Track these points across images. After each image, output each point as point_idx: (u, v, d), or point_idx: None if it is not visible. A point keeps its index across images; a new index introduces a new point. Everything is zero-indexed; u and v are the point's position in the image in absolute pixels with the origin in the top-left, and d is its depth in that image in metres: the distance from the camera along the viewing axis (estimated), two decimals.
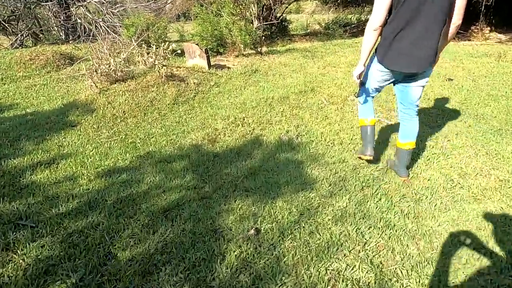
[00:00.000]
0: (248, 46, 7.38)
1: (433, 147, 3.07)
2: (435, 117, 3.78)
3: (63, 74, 6.49)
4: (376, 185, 2.50)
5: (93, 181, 2.79)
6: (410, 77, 2.09)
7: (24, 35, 10.71)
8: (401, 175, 2.48)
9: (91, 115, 4.18)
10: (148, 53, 5.09)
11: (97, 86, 4.56)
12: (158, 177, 2.80)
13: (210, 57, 7.84)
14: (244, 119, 3.87)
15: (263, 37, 7.49)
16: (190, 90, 4.89)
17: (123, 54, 4.73)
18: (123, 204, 2.43)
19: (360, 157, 2.63)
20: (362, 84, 2.29)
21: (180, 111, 4.32)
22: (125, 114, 4.19)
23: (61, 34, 12.14)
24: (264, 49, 8.11)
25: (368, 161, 2.70)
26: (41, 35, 11.46)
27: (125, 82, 4.74)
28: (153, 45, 5.07)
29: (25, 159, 3.14)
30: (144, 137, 3.64)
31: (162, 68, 4.75)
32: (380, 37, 2.03)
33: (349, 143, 3.19)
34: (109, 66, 4.55)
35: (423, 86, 2.18)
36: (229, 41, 7.24)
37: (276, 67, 6.43)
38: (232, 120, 3.84)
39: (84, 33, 10.77)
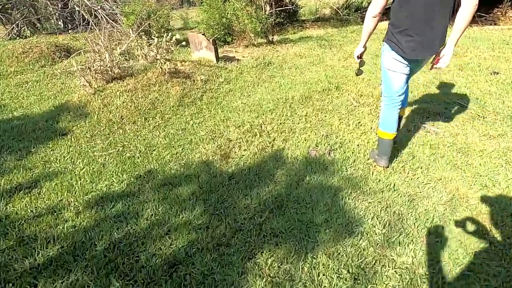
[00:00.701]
0: (259, 35, 6.66)
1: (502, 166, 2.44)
2: (492, 123, 3.11)
3: (57, 69, 5.87)
4: (446, 227, 1.90)
5: (82, 213, 2.22)
6: (417, 62, 2.09)
7: (20, 25, 10.03)
8: (382, 165, 2.50)
9: (84, 121, 3.59)
10: (149, 46, 4.44)
11: (91, 86, 3.95)
12: (161, 209, 2.22)
13: (218, 47, 7.14)
14: (261, 127, 3.25)
15: (274, 25, 6.75)
16: (197, 88, 4.25)
17: (120, 48, 4.08)
18: (116, 253, 1.87)
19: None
20: (361, 65, 2.38)
21: (186, 114, 3.70)
22: (123, 119, 3.59)
23: (59, 23, 11.44)
24: (276, 37, 7.36)
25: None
26: (38, 25, 10.77)
27: (123, 80, 4.12)
28: (154, 36, 4.42)
29: (3, 181, 2.58)
30: (145, 149, 3.05)
31: (165, 63, 4.10)
32: (389, 27, 2.04)
33: (394, 160, 2.57)
34: (105, 63, 3.93)
35: None
36: (237, 30, 6.52)
37: (291, 58, 5.73)
38: (248, 128, 3.22)
39: (83, 21, 10.07)
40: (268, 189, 2.34)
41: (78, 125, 3.54)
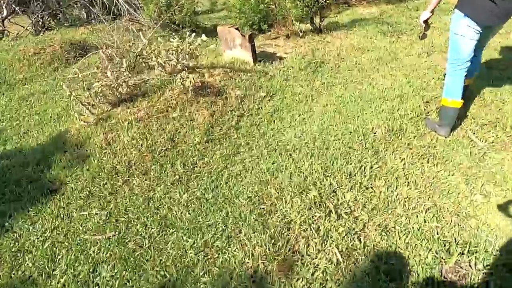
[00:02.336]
0: (303, 21, 5.17)
1: None
2: None
3: (68, 74, 4.89)
4: None
5: None
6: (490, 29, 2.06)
7: (39, 17, 9.17)
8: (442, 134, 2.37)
9: (81, 167, 2.54)
10: (167, 51, 3.22)
11: (92, 113, 2.87)
12: None
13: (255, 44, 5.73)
14: (336, 194, 1.99)
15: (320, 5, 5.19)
16: (231, 110, 3.02)
17: (127, 60, 2.91)
18: None
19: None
20: (426, 30, 2.34)
21: (217, 158, 2.50)
22: (131, 167, 2.49)
23: (82, 12, 10.51)
24: (324, 22, 5.80)
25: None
26: (60, 15, 9.89)
27: (133, 103, 2.98)
28: (173, 38, 3.20)
29: None
30: (158, 233, 1.93)
31: (187, 77, 2.89)
32: None
33: None
34: (108, 82, 2.80)
35: None
36: (278, 17, 5.07)
37: (349, 54, 4.26)
38: (315, 197, 1.96)
39: (104, 10, 9.02)
40: None
41: (73, 175, 2.49)
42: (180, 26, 6.46)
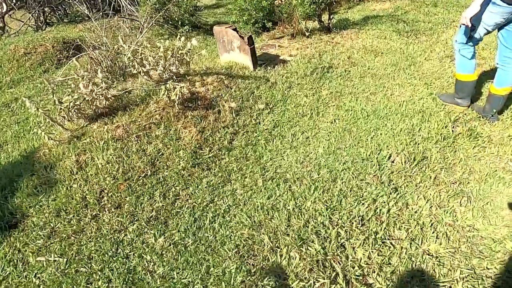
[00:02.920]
0: (310, 19, 4.69)
1: None
2: None
3: (56, 77, 4.53)
4: None
5: None
6: None
7: (39, 12, 8.82)
8: (492, 121, 2.34)
9: (47, 197, 2.17)
10: (154, 57, 2.80)
11: (64, 128, 2.49)
12: None
13: (254, 37, 5.27)
14: (344, 249, 1.56)
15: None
16: (224, 126, 2.61)
17: (102, 70, 2.50)
18: None
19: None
20: (473, 29, 2.09)
21: (203, 188, 2.10)
22: (102, 197, 2.11)
23: (82, 8, 10.14)
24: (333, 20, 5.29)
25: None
26: (60, 11, 9.53)
27: (112, 118, 2.59)
28: (160, 42, 2.77)
29: None
30: None
31: (173, 89, 2.48)
32: None
33: None
34: (83, 94, 2.41)
35: None
36: (283, 14, 4.59)
37: (361, 57, 3.78)
38: (317, 253, 1.54)
39: (104, 6, 8.63)
40: None
41: (38, 206, 2.13)
42: (179, 23, 6.04)
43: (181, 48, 2.80)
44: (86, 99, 2.43)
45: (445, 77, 3.05)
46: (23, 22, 8.15)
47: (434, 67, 3.28)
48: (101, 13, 8.51)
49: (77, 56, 4.45)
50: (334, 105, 2.90)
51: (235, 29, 3.43)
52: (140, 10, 6.05)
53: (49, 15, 9.07)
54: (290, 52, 4.19)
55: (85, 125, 2.57)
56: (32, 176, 2.34)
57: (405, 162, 2.01)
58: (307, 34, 4.46)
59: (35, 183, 2.29)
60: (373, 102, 2.84)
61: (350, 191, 1.89)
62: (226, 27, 3.48)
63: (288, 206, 1.87)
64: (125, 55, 3.26)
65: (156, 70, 2.73)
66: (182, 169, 2.25)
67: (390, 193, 1.82)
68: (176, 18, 5.86)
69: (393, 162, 2.04)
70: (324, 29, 4.78)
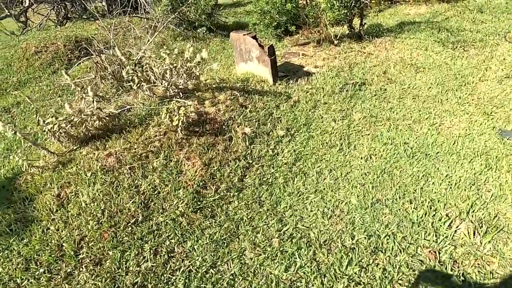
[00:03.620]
0: (340, 23, 4.14)
1: None
2: None
3: (63, 80, 4.22)
4: None
5: None
6: None
7: (60, 8, 8.63)
8: None
9: (19, 239, 1.80)
10: (158, 69, 2.37)
11: (50, 152, 2.11)
12: None
13: (276, 42, 4.73)
14: None
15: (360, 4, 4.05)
16: (235, 158, 2.15)
17: (90, 89, 2.08)
18: None
19: None
20: None
21: (204, 248, 1.67)
22: (81, 248, 1.71)
23: (102, 4, 9.91)
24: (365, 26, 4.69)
25: None
26: (77, 6, 9.33)
27: (105, 141, 2.18)
28: (166, 52, 2.33)
29: None
30: None
31: (176, 112, 2.05)
32: None
33: None
34: (71, 117, 2.01)
35: None
36: (309, 19, 4.05)
37: (398, 72, 3.21)
38: None
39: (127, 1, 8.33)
40: None
41: (7, 252, 1.76)
42: (196, 24, 5.62)
43: (190, 59, 2.35)
44: (74, 120, 2.03)
45: (508, 104, 2.46)
46: (44, 16, 7.98)
47: (492, 90, 2.68)
48: (119, 10, 8.23)
49: (82, 60, 4.12)
50: (368, 135, 2.38)
51: (254, 37, 2.95)
52: (156, 10, 5.66)
53: (70, 11, 8.89)
54: (315, 62, 3.67)
55: (74, 148, 2.17)
56: (9, 209, 1.97)
57: (472, 233, 1.49)
58: (335, 42, 3.92)
59: (11, 219, 1.91)
60: (417, 134, 2.30)
61: (398, 272, 1.39)
62: (244, 34, 3.01)
63: (313, 286, 1.39)
64: (123, 68, 2.86)
65: (161, 84, 2.30)
66: (180, 214, 1.81)
67: (457, 284, 1.31)
68: (192, 19, 5.43)
69: (456, 231, 1.52)
70: (355, 36, 4.22)
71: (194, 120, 2.25)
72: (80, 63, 3.78)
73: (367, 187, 1.89)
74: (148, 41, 3.16)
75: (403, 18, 5.29)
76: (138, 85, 2.21)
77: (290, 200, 1.89)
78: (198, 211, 1.84)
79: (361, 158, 2.15)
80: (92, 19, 8.07)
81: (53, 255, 1.67)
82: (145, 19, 5.75)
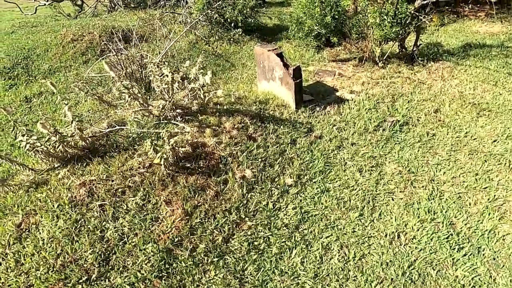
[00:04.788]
0: (386, 41, 3.48)
1: None
2: None
3: (90, 71, 4.11)
4: None
5: None
6: None
7: None
8: None
9: None
10: (158, 86, 2.02)
11: (28, 168, 1.88)
12: None
13: (314, 53, 4.15)
14: None
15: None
16: (226, 210, 1.73)
17: (68, 108, 1.77)
18: None
19: None
20: None
21: None
22: None
23: None
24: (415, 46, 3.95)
25: None
26: None
27: (86, 165, 1.90)
28: (167, 68, 1.97)
29: None
30: None
31: (161, 146, 1.68)
32: None
33: None
34: (46, 136, 1.75)
35: None
36: (353, 34, 3.45)
37: (453, 113, 2.55)
38: None
39: None
40: None
41: None
42: (231, 25, 5.24)
43: (194, 79, 1.97)
44: (52, 139, 1.77)
45: None
46: (100, 2, 8.11)
47: None
48: (162, 2, 8.12)
49: (101, 58, 3.96)
50: (401, 199, 1.83)
51: (280, 54, 2.48)
52: (194, 6, 5.36)
53: None
54: (352, 86, 3.09)
55: (55, 166, 1.92)
56: None
57: None
58: (380, 64, 3.29)
59: None
60: (469, 212, 1.70)
61: None
62: (269, 49, 2.55)
63: None
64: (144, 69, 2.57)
65: (156, 104, 1.95)
66: (141, 279, 1.46)
67: None
68: (228, 19, 5.05)
69: None
70: (406, 57, 3.54)
71: (186, 153, 1.87)
72: (99, 61, 3.62)
73: (385, 285, 1.38)
74: (165, 48, 2.83)
75: (470, 38, 4.43)
76: (129, 102, 1.88)
77: (280, 284, 1.44)
78: (164, 278, 1.47)
79: (386, 235, 1.63)
80: (138, 8, 8.06)
81: None
82: (186, 13, 5.47)
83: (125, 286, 1.43)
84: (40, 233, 1.62)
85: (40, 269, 1.49)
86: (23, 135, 1.71)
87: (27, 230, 1.66)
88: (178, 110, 2.08)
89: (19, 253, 1.57)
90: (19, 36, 5.26)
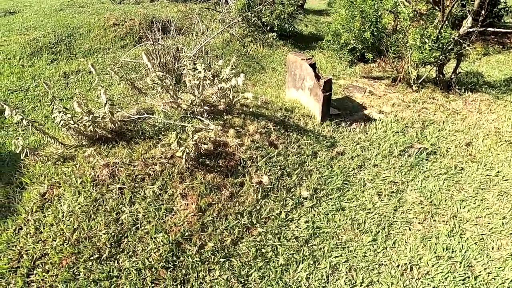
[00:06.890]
0: (424, 65, 3.37)
1: None
2: None
3: (126, 56, 4.26)
4: None
5: None
6: None
7: None
8: None
9: None
10: (189, 81, 2.07)
11: (59, 142, 1.97)
12: None
13: (346, 67, 4.10)
14: None
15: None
16: (238, 212, 1.74)
17: (103, 92, 1.85)
18: None
19: None
20: None
21: None
22: (35, 268, 1.49)
23: None
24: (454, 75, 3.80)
25: None
26: None
27: (112, 147, 1.97)
28: (201, 65, 2.01)
29: None
30: None
31: (186, 140, 1.72)
32: None
33: None
34: (77, 116, 1.84)
35: None
36: (390, 52, 3.37)
37: (487, 149, 2.43)
38: None
39: None
40: None
41: None
42: (267, 28, 5.27)
43: (225, 80, 2.00)
44: (84, 118, 1.85)
45: None
46: None
47: None
48: None
49: (139, 45, 4.08)
50: (419, 231, 1.76)
51: (312, 65, 2.46)
52: (234, 5, 5.44)
53: None
54: (382, 105, 3.02)
55: (81, 144, 2.00)
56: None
57: None
58: (414, 88, 3.20)
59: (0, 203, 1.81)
60: (491, 257, 1.61)
61: None
62: (302, 58, 2.54)
63: None
64: (178, 60, 2.63)
65: (186, 99, 1.99)
66: (149, 266, 1.49)
67: None
68: (265, 23, 5.08)
69: None
70: (442, 84, 3.41)
71: (207, 151, 1.90)
72: (136, 47, 3.74)
73: None
74: (201, 43, 2.89)
75: None
76: (160, 93, 1.94)
77: None
78: (170, 269, 1.49)
79: (398, 266, 1.57)
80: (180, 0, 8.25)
81: (9, 264, 1.50)
82: (225, 12, 5.55)
83: (132, 271, 1.47)
84: (61, 205, 1.70)
85: (56, 240, 1.56)
86: (59, 112, 1.79)
87: (49, 201, 1.74)
88: (205, 107, 2.12)
89: (40, 221, 1.65)
90: (66, 14, 5.53)
